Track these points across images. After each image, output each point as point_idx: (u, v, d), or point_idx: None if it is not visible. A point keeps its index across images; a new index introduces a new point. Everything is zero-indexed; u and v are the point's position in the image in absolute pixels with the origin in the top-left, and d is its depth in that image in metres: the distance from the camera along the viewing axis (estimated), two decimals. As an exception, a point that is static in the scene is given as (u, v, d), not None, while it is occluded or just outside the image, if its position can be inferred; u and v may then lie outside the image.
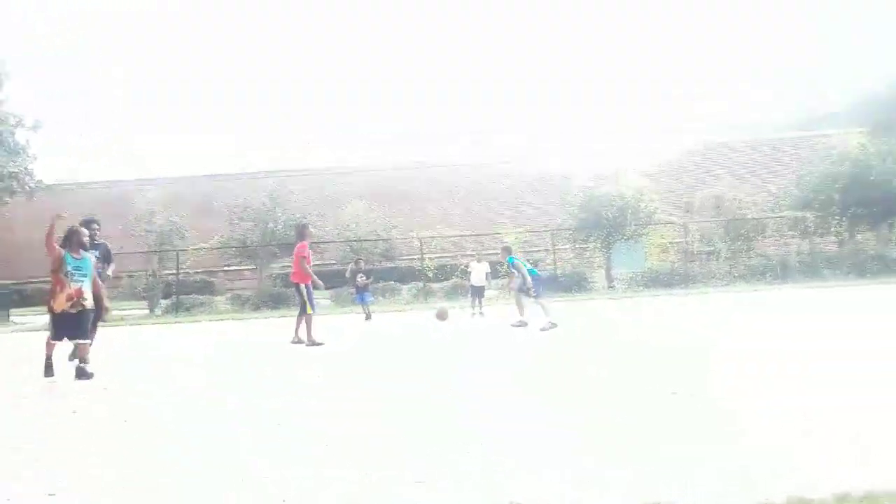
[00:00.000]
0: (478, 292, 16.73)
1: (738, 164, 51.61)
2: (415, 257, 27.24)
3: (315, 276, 11.13)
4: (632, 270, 24.88)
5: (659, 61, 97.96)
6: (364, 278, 16.81)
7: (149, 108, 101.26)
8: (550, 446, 4.07)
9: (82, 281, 8.03)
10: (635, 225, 25.44)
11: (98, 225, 9.17)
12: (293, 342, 10.90)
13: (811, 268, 23.61)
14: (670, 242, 26.86)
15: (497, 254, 14.78)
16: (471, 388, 6.34)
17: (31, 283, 40.21)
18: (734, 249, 25.68)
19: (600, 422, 4.63)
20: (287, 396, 6.36)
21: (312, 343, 10.57)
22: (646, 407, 5.08)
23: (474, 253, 18.09)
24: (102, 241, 9.30)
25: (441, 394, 6.09)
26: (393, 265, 28.90)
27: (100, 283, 8.58)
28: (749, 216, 26.46)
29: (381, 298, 23.64)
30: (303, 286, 11.06)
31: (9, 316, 24.17)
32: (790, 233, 27.92)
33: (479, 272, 16.97)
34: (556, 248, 26.74)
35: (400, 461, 3.89)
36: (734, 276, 23.91)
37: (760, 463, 3.52)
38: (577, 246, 27.56)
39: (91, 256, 8.42)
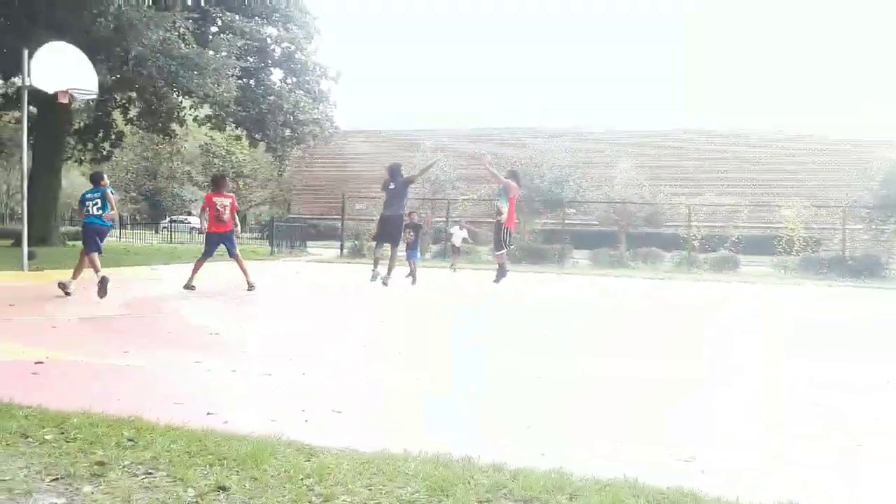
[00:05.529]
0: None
1: None
2: (681, 225, 25.94)
3: (205, 226, 10.95)
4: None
5: None
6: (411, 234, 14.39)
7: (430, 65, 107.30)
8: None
9: None
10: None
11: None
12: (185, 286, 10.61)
13: None
14: None
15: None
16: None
17: (324, 219, 45.16)
18: None
19: None
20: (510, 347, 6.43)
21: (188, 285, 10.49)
22: None
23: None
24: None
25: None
26: (657, 231, 27.84)
27: None
28: None
29: (640, 264, 22.98)
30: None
31: (305, 247, 27.46)
32: None
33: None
34: (848, 226, 23.74)
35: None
36: None
37: None
38: (873, 227, 24.25)
39: None
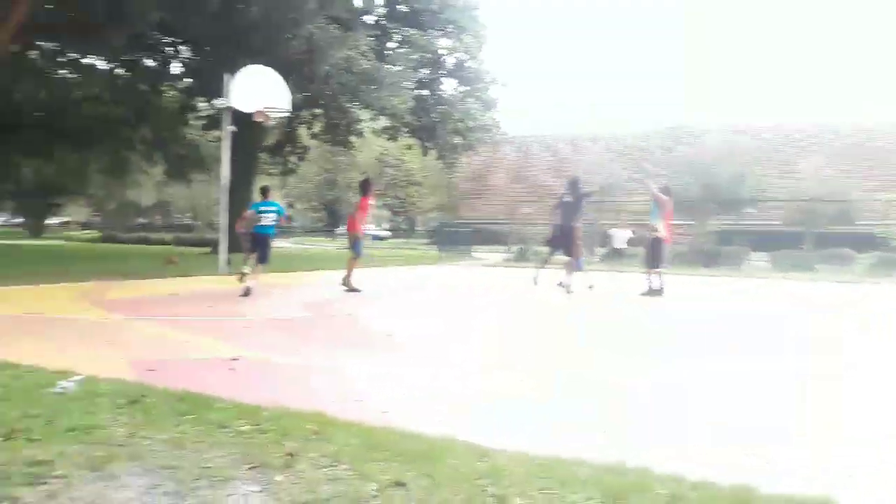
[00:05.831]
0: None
1: None
2: (877, 223, 23.57)
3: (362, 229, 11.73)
4: None
5: None
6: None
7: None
8: None
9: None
10: None
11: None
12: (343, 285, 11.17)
13: None
14: None
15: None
16: None
17: (489, 223, 45.72)
18: None
19: None
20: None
21: (350, 288, 11.05)
22: None
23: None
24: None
25: None
26: (849, 230, 25.50)
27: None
28: None
29: (827, 266, 21.02)
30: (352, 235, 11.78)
31: (470, 251, 27.92)
32: None
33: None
34: None
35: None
36: None
37: None
38: None
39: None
